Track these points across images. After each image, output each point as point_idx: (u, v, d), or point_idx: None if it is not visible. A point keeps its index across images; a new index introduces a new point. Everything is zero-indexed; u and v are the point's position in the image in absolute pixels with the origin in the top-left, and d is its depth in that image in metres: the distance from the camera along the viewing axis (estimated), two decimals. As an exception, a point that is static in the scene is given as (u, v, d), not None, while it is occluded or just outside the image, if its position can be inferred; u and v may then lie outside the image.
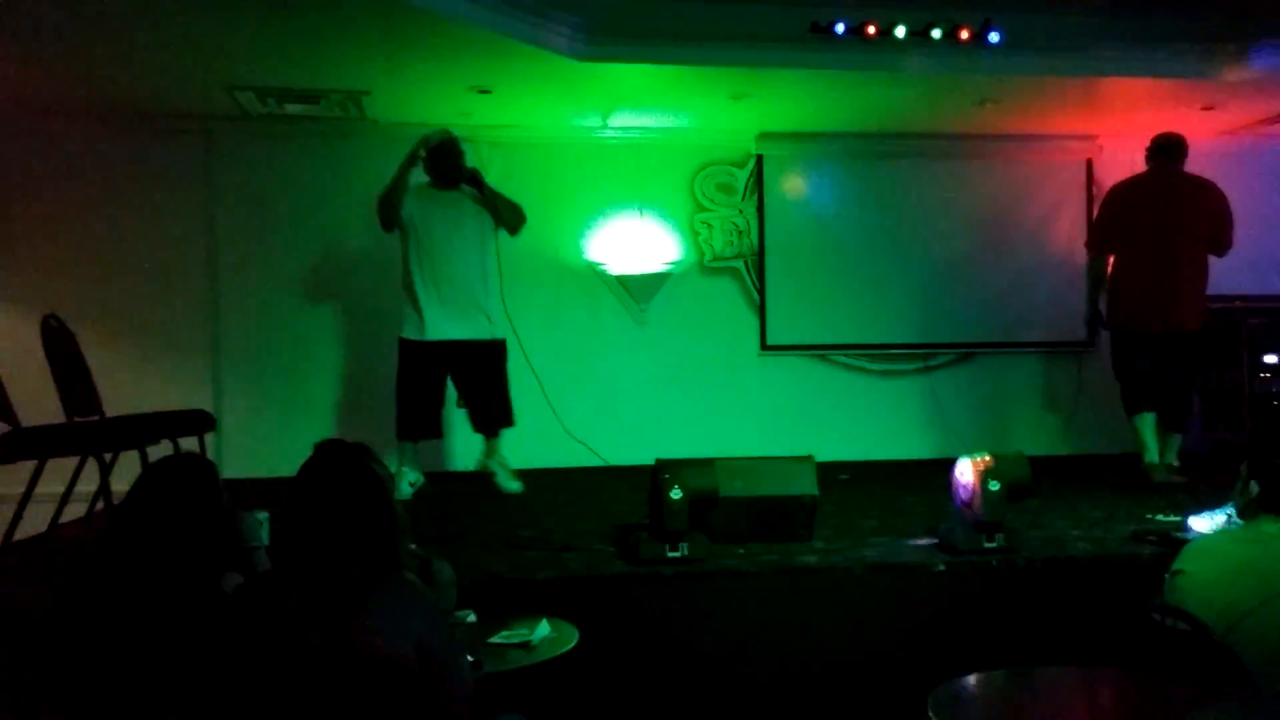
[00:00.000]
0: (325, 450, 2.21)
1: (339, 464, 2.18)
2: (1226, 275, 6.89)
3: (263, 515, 3.07)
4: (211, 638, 2.06)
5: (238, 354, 6.46)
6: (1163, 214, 5.59)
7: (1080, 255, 7.06)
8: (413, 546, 2.67)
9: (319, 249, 6.55)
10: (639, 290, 6.80)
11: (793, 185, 7.01)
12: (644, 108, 6.28)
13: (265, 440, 6.18)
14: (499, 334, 5.51)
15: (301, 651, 1.98)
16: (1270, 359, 6.40)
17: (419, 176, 5.44)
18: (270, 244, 6.49)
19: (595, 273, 6.79)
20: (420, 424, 5.34)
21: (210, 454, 5.04)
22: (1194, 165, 6.24)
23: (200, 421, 5.19)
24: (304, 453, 2.29)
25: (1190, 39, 5.63)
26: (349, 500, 2.12)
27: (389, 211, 5.31)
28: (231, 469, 5.53)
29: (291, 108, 6.06)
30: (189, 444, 5.08)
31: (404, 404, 5.30)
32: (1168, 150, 5.69)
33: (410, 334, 5.30)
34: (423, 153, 5.39)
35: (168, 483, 2.31)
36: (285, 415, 6.29)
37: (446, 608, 2.29)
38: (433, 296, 5.28)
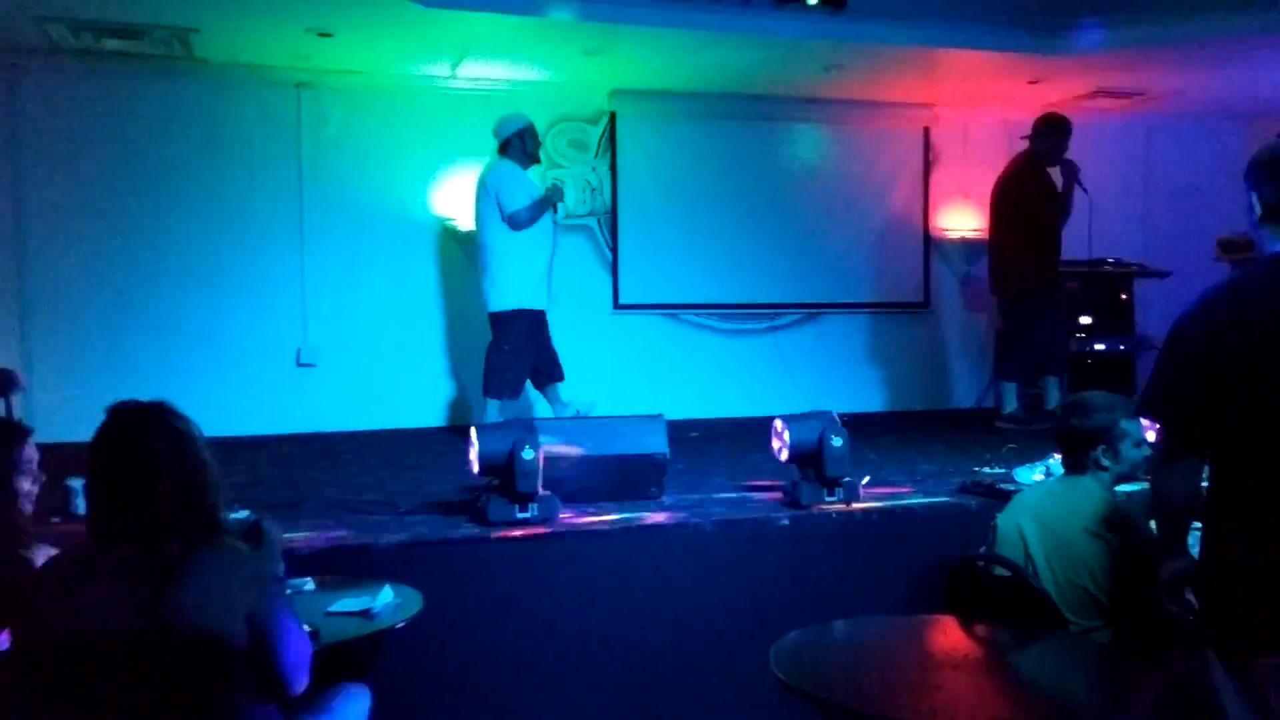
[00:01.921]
0: (117, 413, 2.04)
1: (133, 427, 2.01)
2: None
3: (77, 483, 2.88)
4: (12, 616, 1.92)
5: (48, 308, 6.01)
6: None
7: (918, 219, 7.37)
8: (244, 513, 2.53)
9: (141, 195, 6.14)
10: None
11: (646, 144, 6.99)
12: (494, 58, 6.13)
13: (81, 401, 5.77)
14: (491, 307, 5.66)
15: (113, 634, 1.85)
16: (1085, 320, 6.80)
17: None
18: (86, 190, 6.06)
19: (444, 228, 6.63)
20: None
21: (17, 416, 4.69)
22: (1019, 136, 6.58)
23: (4, 381, 4.82)
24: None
25: (1020, 15, 5.88)
26: (147, 465, 1.96)
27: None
28: (45, 433, 5.17)
29: (110, 43, 5.64)
30: (-7, 405, 4.73)
31: None
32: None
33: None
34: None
35: None
36: (104, 373, 5.89)
37: (276, 572, 2.17)
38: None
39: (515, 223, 5.55)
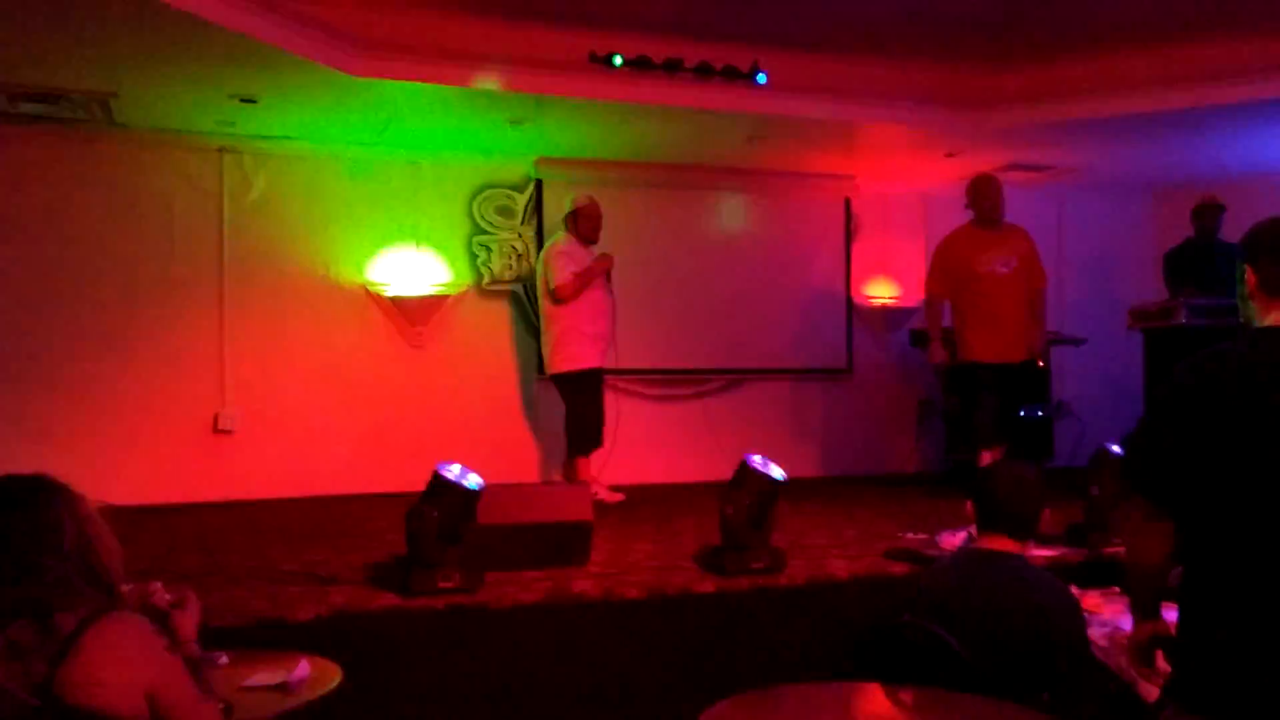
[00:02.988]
0: (4, 484, 1.97)
1: (22, 495, 1.95)
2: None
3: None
4: None
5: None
6: None
7: (840, 287, 7.50)
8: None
9: (57, 259, 5.99)
10: (416, 313, 6.64)
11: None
12: (420, 126, 6.16)
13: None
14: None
15: (8, 716, 1.76)
16: (1004, 386, 6.95)
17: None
18: (1, 252, 5.88)
19: (369, 293, 6.58)
20: None
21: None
22: (937, 209, 6.79)
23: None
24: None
25: (935, 92, 6.11)
26: (39, 534, 1.89)
27: None
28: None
29: (28, 107, 5.54)
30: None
31: None
32: None
33: None
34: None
35: None
36: (15, 439, 5.65)
37: (182, 646, 2.10)
38: None
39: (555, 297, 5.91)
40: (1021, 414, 6.89)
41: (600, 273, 5.99)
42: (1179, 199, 6.88)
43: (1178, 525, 2.07)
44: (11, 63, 4.95)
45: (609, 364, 6.04)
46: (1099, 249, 7.94)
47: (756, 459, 3.97)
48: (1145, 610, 2.19)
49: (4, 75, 5.11)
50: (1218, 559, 2.01)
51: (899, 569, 3.92)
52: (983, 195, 5.92)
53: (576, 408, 5.92)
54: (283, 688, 2.42)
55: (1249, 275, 2.14)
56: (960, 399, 6.19)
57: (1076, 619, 2.82)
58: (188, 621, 2.29)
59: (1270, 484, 1.93)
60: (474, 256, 6.83)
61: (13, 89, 5.28)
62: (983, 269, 5.84)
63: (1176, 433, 2.02)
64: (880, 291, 7.70)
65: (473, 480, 3.54)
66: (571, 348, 5.90)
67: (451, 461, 3.59)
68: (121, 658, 1.84)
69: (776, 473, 3.88)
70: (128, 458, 5.87)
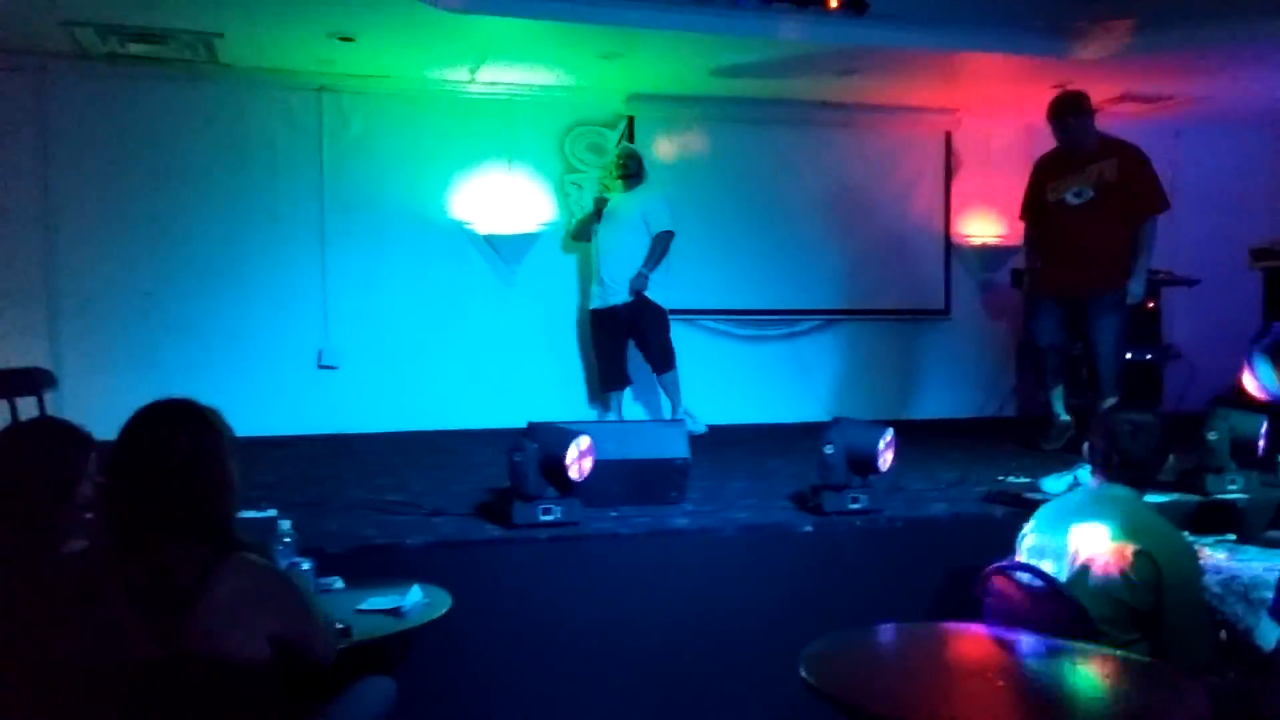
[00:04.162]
0: (146, 412, 1.97)
1: (160, 427, 1.95)
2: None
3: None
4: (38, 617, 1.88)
5: (76, 308, 6.05)
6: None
7: (939, 225, 7.30)
8: (271, 511, 2.52)
9: (166, 198, 6.17)
10: (508, 251, 6.69)
11: (663, 148, 6.99)
12: (513, 63, 6.14)
13: (109, 399, 5.80)
14: None
15: (132, 663, 1.80)
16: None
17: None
18: (113, 191, 6.10)
19: (462, 231, 6.64)
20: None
21: (50, 413, 4.72)
22: (1044, 144, 6.52)
23: (38, 379, 4.86)
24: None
25: (1044, 18, 5.85)
26: (167, 469, 1.89)
27: None
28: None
29: (136, 48, 5.68)
30: (27, 403, 4.77)
31: None
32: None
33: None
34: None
35: (26, 449, 2.18)
36: (131, 372, 5.92)
37: (297, 584, 2.13)
38: None
39: None
40: (1130, 355, 6.68)
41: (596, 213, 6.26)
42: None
43: None
44: (119, 4, 5.07)
45: (604, 303, 6.15)
46: (1216, 185, 7.57)
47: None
48: None
49: (113, 16, 5.24)
50: None
51: (1000, 512, 3.86)
52: (1051, 117, 5.53)
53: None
54: (396, 611, 2.51)
55: None
56: (1030, 333, 5.79)
57: (1190, 565, 2.75)
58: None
59: None
60: (566, 195, 6.83)
61: (121, 30, 5.41)
62: (1052, 198, 5.52)
63: None
64: (981, 230, 7.48)
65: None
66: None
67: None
68: (241, 607, 1.86)
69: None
70: (236, 391, 6.00)
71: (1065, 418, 5.56)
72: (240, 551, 1.92)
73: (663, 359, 6.12)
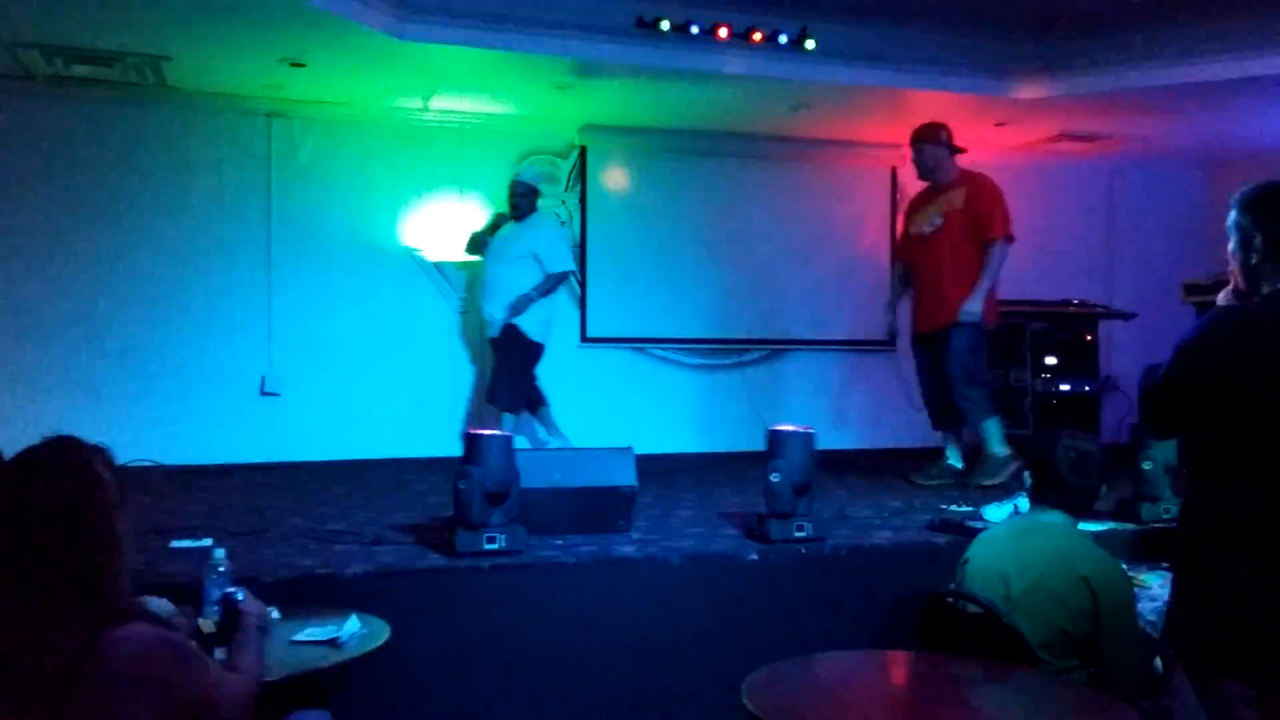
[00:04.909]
0: (14, 461, 1.73)
1: (26, 480, 1.69)
2: (1013, 282, 7.39)
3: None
4: None
5: (11, 331, 5.91)
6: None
7: (885, 259, 7.42)
8: (206, 541, 2.43)
9: (109, 221, 6.09)
10: (458, 279, 6.67)
11: (615, 178, 7.04)
12: (466, 92, 6.16)
13: (44, 426, 5.67)
14: None
15: None
16: (1050, 360, 6.88)
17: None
18: (55, 214, 6.02)
19: (411, 259, 6.61)
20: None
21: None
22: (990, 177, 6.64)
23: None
24: (86, 438, 2.08)
25: (985, 60, 6.01)
26: (36, 531, 1.65)
27: None
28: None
29: (82, 70, 5.61)
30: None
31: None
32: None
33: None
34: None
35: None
36: (67, 396, 5.78)
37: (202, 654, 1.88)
38: None
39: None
40: (1068, 387, 6.81)
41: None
42: (1235, 172, 6.72)
43: (1192, 484, 2.14)
44: (66, 26, 5.01)
45: (493, 332, 6.00)
46: (1151, 222, 7.80)
47: (796, 427, 3.96)
48: None
49: (58, 38, 5.17)
50: (1222, 515, 2.05)
51: (942, 540, 3.89)
52: (910, 144, 5.47)
53: None
54: (333, 642, 2.47)
55: (1259, 241, 2.12)
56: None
57: (1125, 593, 2.79)
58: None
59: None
60: (517, 224, 6.82)
61: (67, 52, 5.34)
62: (913, 230, 5.49)
63: (1200, 388, 2.06)
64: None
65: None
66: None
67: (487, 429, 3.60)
68: (121, 692, 1.62)
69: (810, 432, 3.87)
70: (177, 418, 5.97)
71: (1002, 452, 5.26)
72: (126, 623, 1.67)
73: (507, 396, 5.86)
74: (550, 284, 5.94)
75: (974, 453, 5.46)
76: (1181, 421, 2.16)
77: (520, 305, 5.82)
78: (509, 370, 5.91)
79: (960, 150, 5.52)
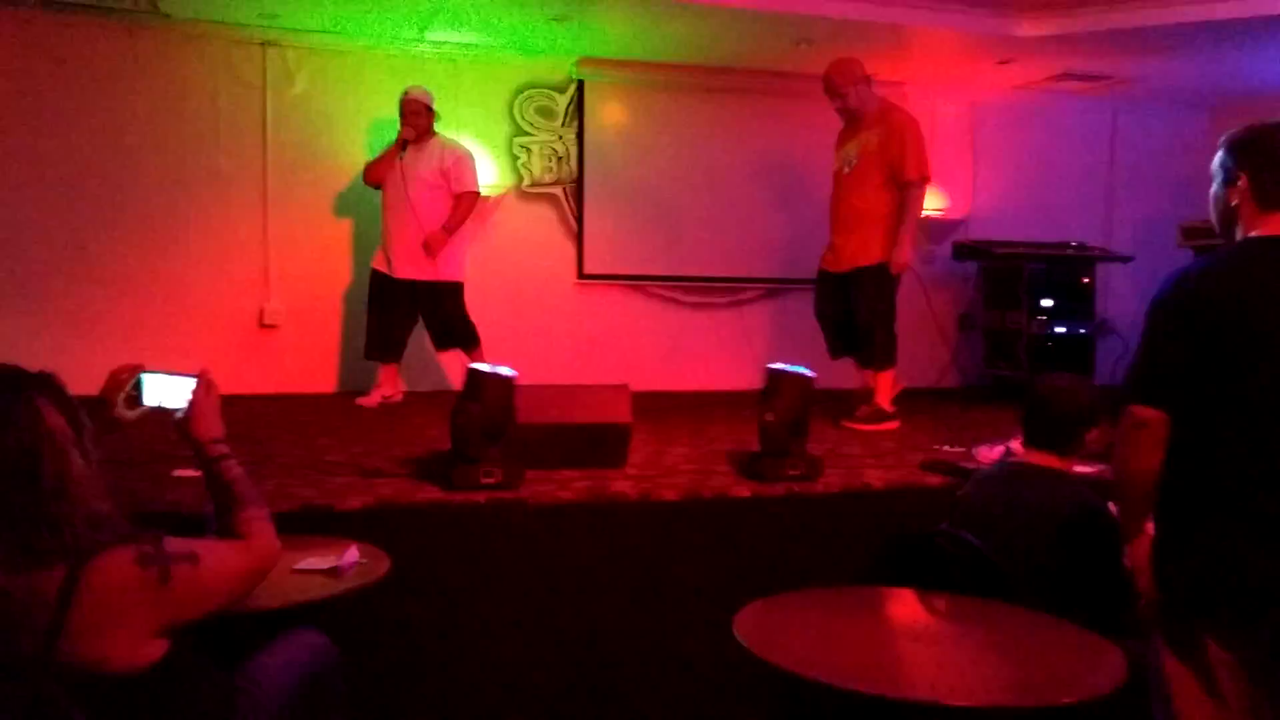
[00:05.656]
0: None
1: None
2: (1011, 223, 7.38)
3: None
4: None
5: (8, 261, 5.86)
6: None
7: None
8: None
9: (103, 151, 6.02)
10: (454, 213, 6.62)
11: (613, 113, 6.96)
12: (461, 22, 6.06)
13: (41, 357, 5.66)
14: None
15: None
16: (1047, 303, 6.88)
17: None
18: (48, 143, 5.93)
19: (408, 192, 6.55)
20: None
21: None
22: (989, 117, 6.58)
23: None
24: (81, 370, 2.08)
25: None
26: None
27: None
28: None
29: (73, -6, 5.52)
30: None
31: None
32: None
33: None
34: None
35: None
36: (65, 328, 5.77)
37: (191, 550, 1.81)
38: None
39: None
40: (1064, 330, 6.82)
41: (382, 164, 5.74)
42: (1237, 115, 6.64)
43: (1175, 433, 2.08)
44: (56, -51, 4.92)
45: (395, 272, 5.70)
46: (1151, 164, 7.74)
47: (794, 367, 3.98)
48: (1141, 523, 2.23)
49: (48, -38, 5.08)
50: (1210, 464, 2.04)
51: (934, 480, 3.94)
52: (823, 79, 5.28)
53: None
54: (334, 572, 2.51)
55: (1243, 182, 2.09)
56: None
57: (1112, 535, 2.84)
58: (203, 417, 2.04)
59: (1269, 391, 1.97)
60: (514, 158, 6.78)
61: (57, -24, 5.26)
62: (835, 168, 5.43)
63: (1182, 341, 2.03)
64: (925, 203, 7.55)
65: (506, 371, 3.58)
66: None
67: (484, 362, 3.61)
68: (112, 617, 1.63)
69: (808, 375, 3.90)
70: (175, 350, 5.94)
71: (889, 410, 5.29)
72: (103, 552, 1.64)
73: (465, 336, 5.80)
74: (462, 209, 5.78)
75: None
76: (1170, 386, 2.08)
77: (437, 243, 5.68)
78: (458, 310, 5.90)
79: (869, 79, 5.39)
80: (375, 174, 5.76)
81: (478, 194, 5.89)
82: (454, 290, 5.82)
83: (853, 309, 5.37)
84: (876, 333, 5.33)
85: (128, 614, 1.64)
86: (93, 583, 1.61)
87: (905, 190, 5.20)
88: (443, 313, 5.79)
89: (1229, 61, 6.53)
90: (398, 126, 5.76)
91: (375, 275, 5.77)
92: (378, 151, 5.93)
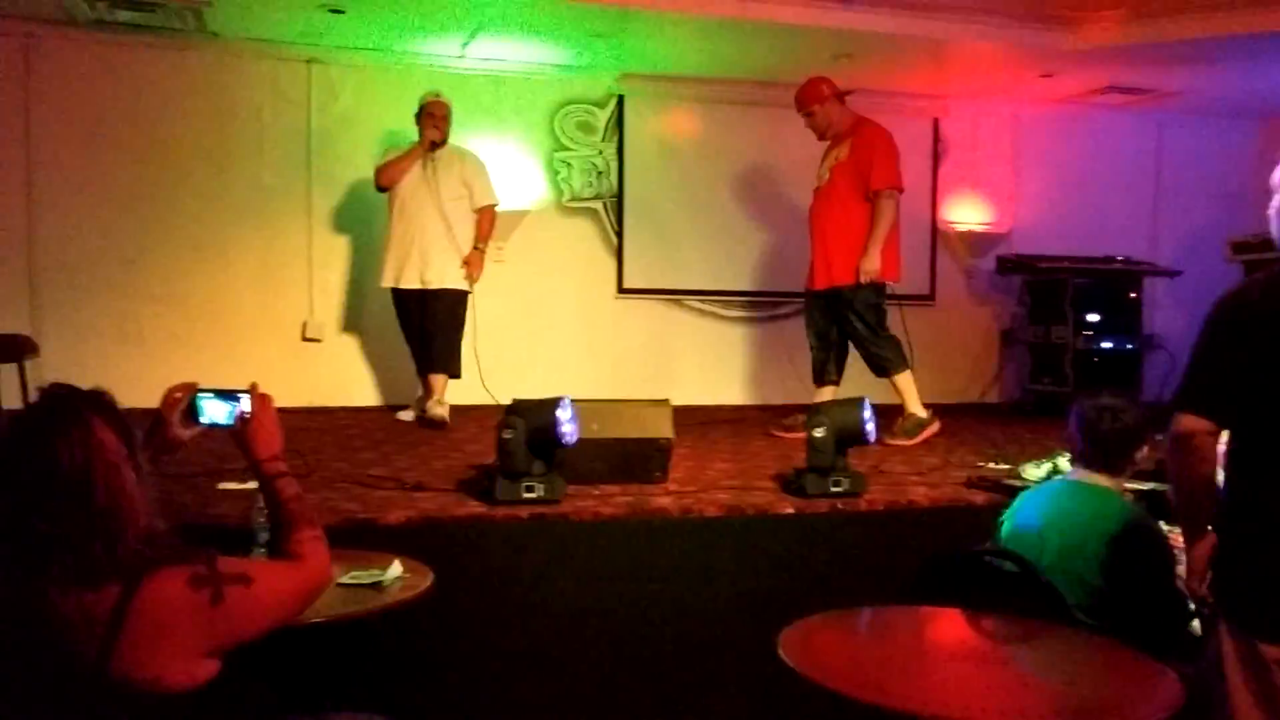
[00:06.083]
0: (28, 412, 1.68)
1: (38, 433, 1.62)
2: (1056, 237, 7.30)
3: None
4: None
5: (58, 277, 6.01)
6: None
7: (925, 211, 7.32)
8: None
9: (152, 167, 6.14)
10: (496, 227, 6.65)
11: (653, 128, 6.98)
12: (503, 38, 6.11)
13: (91, 370, 5.77)
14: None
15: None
16: (1092, 317, 6.79)
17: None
18: (97, 160, 6.07)
19: (450, 207, 6.61)
20: None
21: (31, 382, 4.71)
22: (1033, 130, 6.51)
23: (19, 346, 4.85)
24: (130, 382, 2.11)
25: (1032, 9, 5.86)
26: (42, 500, 1.59)
27: None
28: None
29: (124, 15, 5.63)
30: (7, 370, 4.75)
31: None
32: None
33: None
34: None
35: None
36: (113, 342, 5.90)
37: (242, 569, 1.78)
38: None
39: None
40: (1110, 345, 6.72)
41: (405, 167, 5.55)
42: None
43: (1233, 446, 2.09)
44: (108, -30, 5.03)
45: (404, 284, 5.60)
46: (1198, 178, 7.63)
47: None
48: (1203, 528, 2.21)
49: (101, -17, 5.20)
50: (1268, 478, 2.03)
51: (979, 498, 3.89)
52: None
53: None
54: (378, 586, 2.52)
55: None
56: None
57: (1163, 554, 2.79)
58: (262, 430, 2.02)
59: None
60: (555, 173, 6.82)
61: (110, -3, 5.37)
62: (814, 185, 5.44)
63: (1241, 348, 2.03)
64: (966, 216, 7.51)
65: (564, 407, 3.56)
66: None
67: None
68: (171, 633, 1.62)
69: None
70: (220, 363, 6.04)
71: (921, 413, 5.25)
72: (156, 571, 1.63)
73: (454, 353, 5.63)
74: (488, 223, 5.75)
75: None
76: (1224, 398, 2.08)
77: (476, 261, 5.68)
78: (457, 326, 5.77)
79: (847, 93, 5.40)
80: (396, 176, 5.60)
81: (497, 204, 5.86)
82: (464, 298, 5.77)
83: (838, 325, 5.36)
84: (868, 345, 5.31)
85: (180, 634, 1.63)
86: (145, 603, 1.60)
87: (875, 201, 5.17)
88: (447, 316, 5.67)
89: (1277, 73, 6.42)
90: (417, 130, 5.65)
91: (395, 295, 5.69)
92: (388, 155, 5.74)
